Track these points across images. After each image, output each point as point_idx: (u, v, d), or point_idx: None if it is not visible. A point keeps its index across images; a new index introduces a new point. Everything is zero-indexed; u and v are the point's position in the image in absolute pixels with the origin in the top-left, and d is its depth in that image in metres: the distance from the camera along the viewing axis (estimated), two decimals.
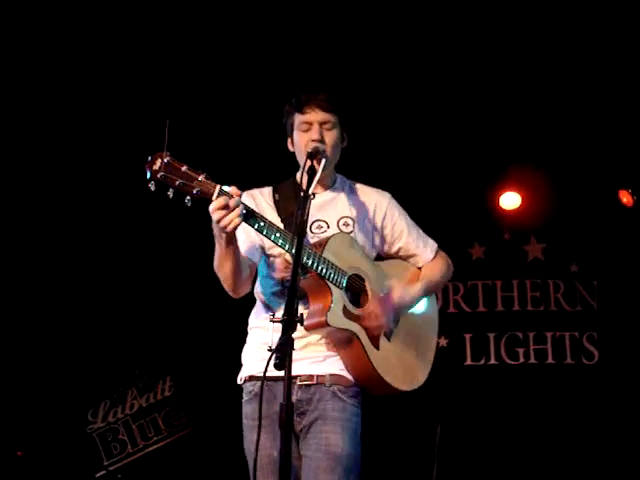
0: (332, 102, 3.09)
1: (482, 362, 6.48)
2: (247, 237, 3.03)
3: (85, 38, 5.15)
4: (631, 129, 5.82)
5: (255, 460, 2.57)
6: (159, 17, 5.06)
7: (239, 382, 3.16)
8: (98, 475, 6.45)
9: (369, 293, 3.07)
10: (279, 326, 2.42)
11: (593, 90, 5.63)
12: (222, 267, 2.92)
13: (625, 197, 6.16)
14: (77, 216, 6.34)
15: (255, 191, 3.21)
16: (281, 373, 2.88)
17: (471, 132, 6.09)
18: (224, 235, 2.75)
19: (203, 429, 6.50)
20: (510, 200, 6.52)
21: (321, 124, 3.06)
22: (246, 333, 3.30)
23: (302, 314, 2.44)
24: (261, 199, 3.17)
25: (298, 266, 2.50)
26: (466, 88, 5.76)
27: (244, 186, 3.12)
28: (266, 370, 2.39)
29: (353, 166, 3.35)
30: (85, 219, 6.37)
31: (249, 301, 3.26)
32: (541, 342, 6.47)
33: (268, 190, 3.21)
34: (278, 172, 3.31)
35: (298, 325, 2.86)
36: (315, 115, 3.07)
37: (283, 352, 2.35)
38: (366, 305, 3.05)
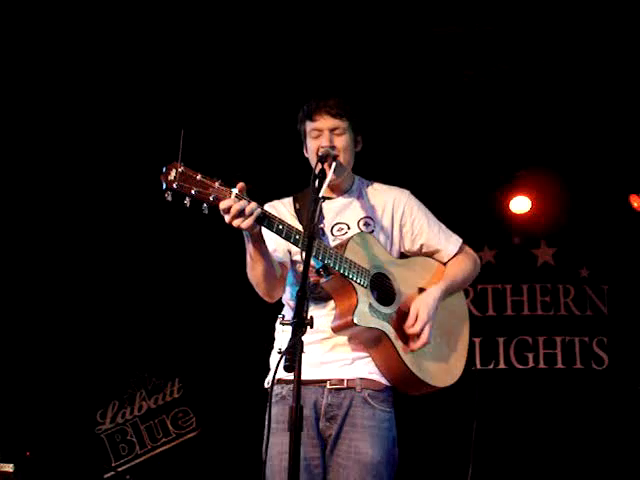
0: (342, 108, 3.09)
1: (491, 366, 6.46)
2: (275, 241, 3.04)
3: (97, 48, 5.18)
4: None
5: (264, 462, 2.55)
6: (171, 27, 5.07)
7: (266, 386, 3.11)
8: (106, 476, 6.46)
9: (396, 292, 3.04)
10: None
11: (604, 95, 5.61)
12: (253, 270, 2.94)
13: (636, 201, 6.14)
14: (91, 222, 6.40)
15: (276, 202, 3.23)
16: (311, 377, 2.92)
17: (482, 136, 6.08)
18: (247, 235, 2.80)
19: (211, 431, 6.51)
20: (520, 204, 6.50)
21: (331, 130, 3.07)
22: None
23: (312, 316, 2.44)
24: (283, 209, 3.18)
25: (308, 268, 2.51)
26: (477, 92, 5.75)
27: (265, 195, 3.16)
28: (276, 372, 2.39)
29: (364, 170, 3.35)
30: (98, 224, 6.42)
31: (258, 303, 3.25)
32: (551, 347, 6.45)
33: (289, 200, 3.23)
34: (297, 180, 3.32)
35: (326, 324, 2.89)
36: (325, 122, 3.08)
37: (293, 355, 2.35)
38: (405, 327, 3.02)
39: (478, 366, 6.45)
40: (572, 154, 6.12)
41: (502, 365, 6.47)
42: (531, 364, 6.45)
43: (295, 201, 3.19)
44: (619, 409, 6.03)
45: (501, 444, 6.02)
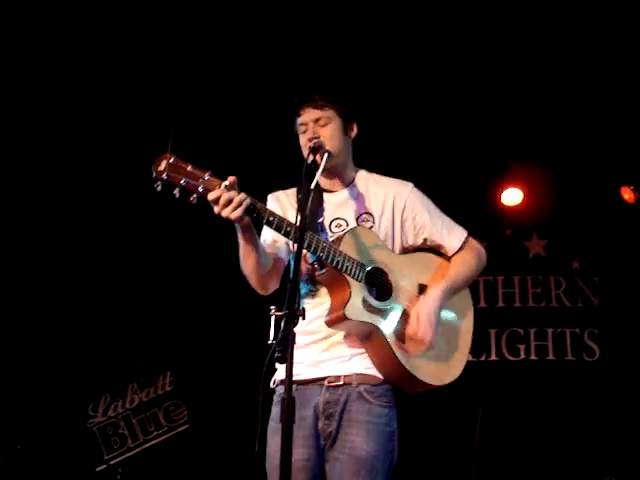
0: (323, 98, 3.08)
1: (483, 358, 6.47)
2: (272, 234, 3.03)
3: (91, 40, 5.15)
4: (633, 126, 5.81)
5: (256, 454, 2.55)
6: (165, 21, 5.05)
7: (272, 385, 3.08)
8: (98, 469, 6.46)
9: (393, 287, 3.00)
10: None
11: (595, 86, 5.61)
12: (245, 262, 2.94)
13: (627, 194, 6.15)
14: (80, 215, 6.37)
15: (280, 193, 3.22)
16: (310, 376, 2.94)
17: (473, 128, 6.08)
18: (237, 226, 2.79)
19: (203, 424, 6.51)
20: (512, 196, 6.51)
21: (315, 121, 3.06)
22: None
23: (304, 308, 2.42)
24: (285, 200, 3.17)
25: (299, 260, 2.50)
26: (468, 84, 5.74)
27: (267, 186, 3.19)
28: (266, 363, 2.38)
29: (355, 161, 3.34)
30: (88, 217, 6.40)
31: (250, 296, 3.24)
32: (542, 338, 6.47)
33: (292, 191, 3.21)
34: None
35: (323, 325, 2.89)
36: (308, 115, 3.07)
37: (284, 346, 2.33)
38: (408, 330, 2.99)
39: (469, 358, 6.45)
40: (564, 146, 6.12)
41: (493, 357, 6.48)
42: (522, 356, 6.46)
43: (298, 192, 3.15)
44: (610, 400, 6.05)
45: (491, 436, 6.03)
